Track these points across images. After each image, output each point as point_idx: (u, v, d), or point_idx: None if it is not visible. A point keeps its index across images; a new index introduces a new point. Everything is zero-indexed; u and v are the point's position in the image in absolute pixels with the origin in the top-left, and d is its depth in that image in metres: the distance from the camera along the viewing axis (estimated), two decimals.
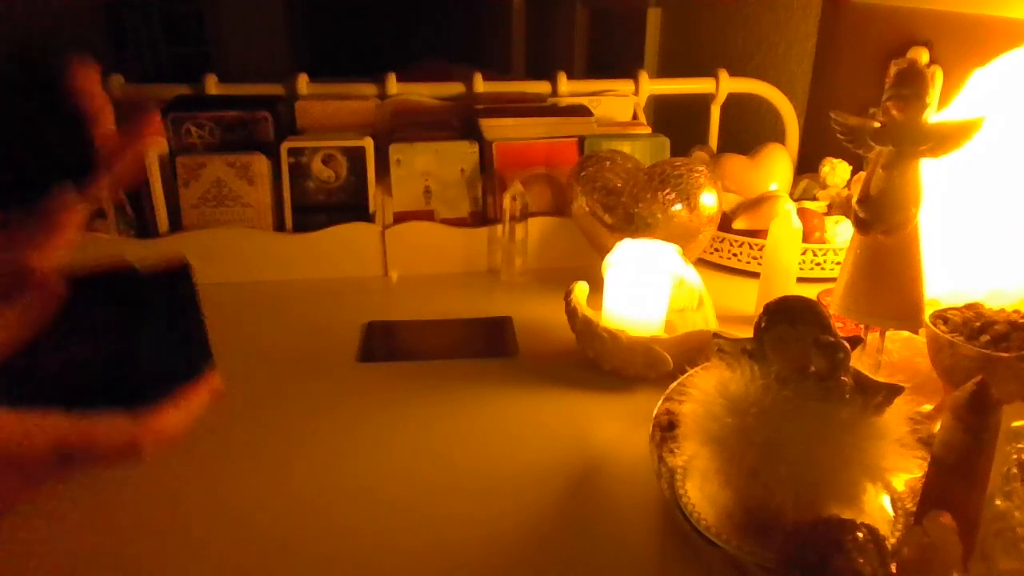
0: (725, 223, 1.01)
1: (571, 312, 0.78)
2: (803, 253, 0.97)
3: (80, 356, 0.36)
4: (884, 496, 0.54)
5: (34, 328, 0.34)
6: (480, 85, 1.14)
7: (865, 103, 0.68)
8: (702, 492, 0.55)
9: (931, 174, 0.65)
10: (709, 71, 1.24)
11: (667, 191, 0.89)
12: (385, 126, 1.09)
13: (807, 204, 1.07)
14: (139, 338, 0.38)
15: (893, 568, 0.44)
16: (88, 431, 0.35)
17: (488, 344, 0.85)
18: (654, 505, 0.59)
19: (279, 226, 1.00)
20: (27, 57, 0.39)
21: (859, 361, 0.51)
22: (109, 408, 0.36)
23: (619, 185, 0.92)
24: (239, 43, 3.45)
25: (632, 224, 0.91)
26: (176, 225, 0.97)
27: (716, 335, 0.58)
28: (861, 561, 0.43)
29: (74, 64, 0.38)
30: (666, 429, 0.61)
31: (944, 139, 0.63)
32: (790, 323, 0.51)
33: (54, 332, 0.35)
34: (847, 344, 0.50)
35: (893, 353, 0.74)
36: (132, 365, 0.38)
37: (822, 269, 0.99)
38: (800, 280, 0.91)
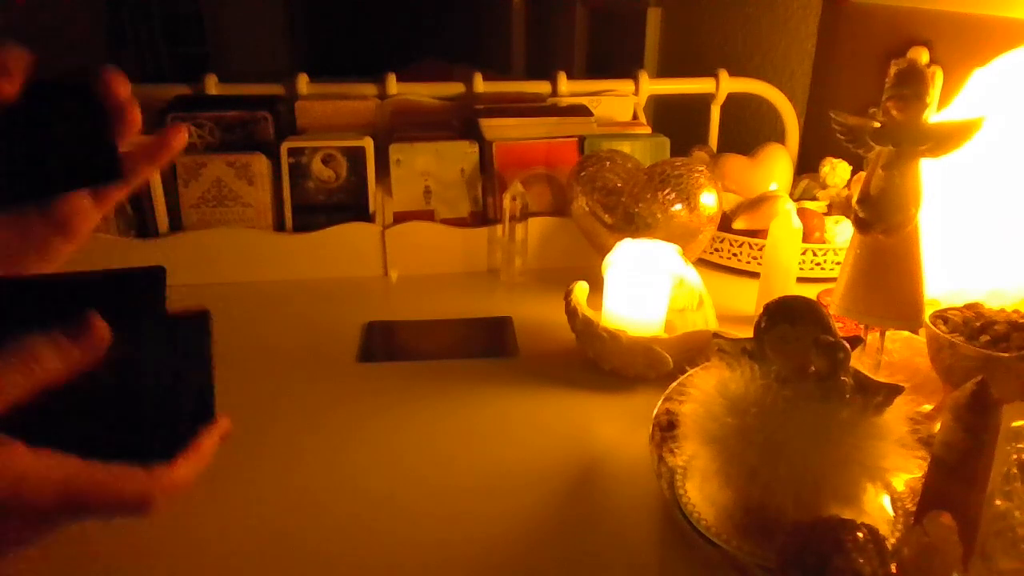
0: (725, 223, 1.01)
1: (571, 312, 0.78)
2: (803, 253, 0.97)
3: (103, 396, 0.36)
4: (884, 496, 0.54)
5: (76, 374, 0.33)
6: (480, 85, 1.14)
7: (865, 103, 0.68)
8: (702, 492, 0.55)
9: (931, 174, 0.65)
10: (709, 71, 1.24)
11: (667, 191, 0.89)
12: (385, 126, 1.09)
13: (807, 204, 1.07)
14: (158, 386, 0.37)
15: (893, 568, 0.44)
16: (102, 480, 0.34)
17: (488, 344, 0.85)
18: (654, 505, 0.59)
19: (279, 226, 1.00)
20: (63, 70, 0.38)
21: (859, 361, 0.51)
22: (127, 456, 0.35)
23: (619, 185, 0.92)
24: (239, 43, 3.46)
25: (632, 224, 0.91)
26: (176, 225, 0.97)
27: (716, 335, 0.58)
28: (861, 561, 0.43)
29: (106, 71, 0.38)
30: (666, 429, 0.61)
31: (944, 139, 0.63)
32: (790, 323, 0.51)
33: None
34: (847, 344, 0.50)
35: (893, 353, 0.74)
36: (154, 412, 0.37)
37: (822, 269, 0.99)
38: (800, 280, 0.91)
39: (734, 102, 1.25)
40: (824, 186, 1.12)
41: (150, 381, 0.37)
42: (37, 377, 0.32)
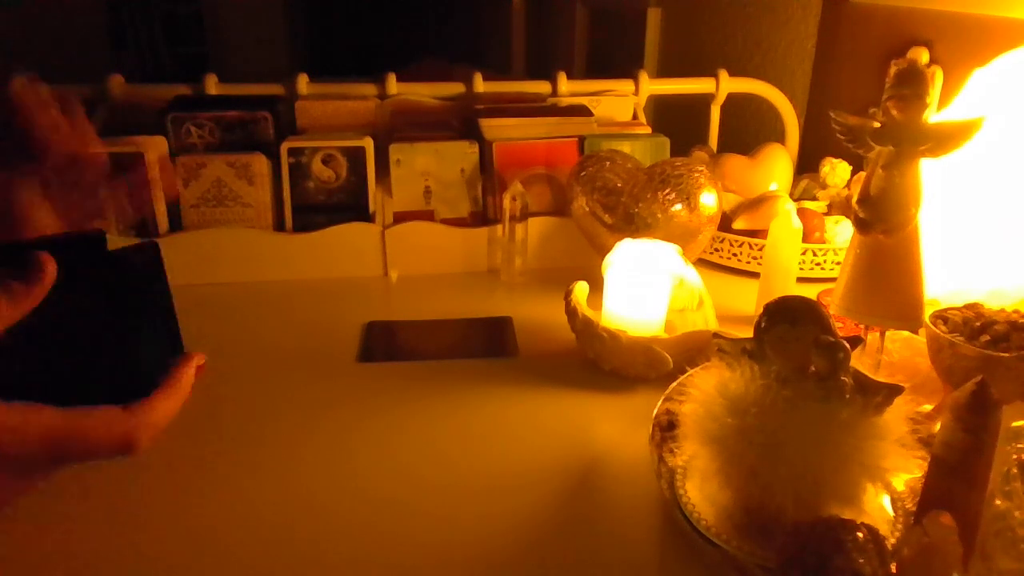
0: (725, 223, 1.01)
1: (571, 312, 0.78)
2: (803, 253, 0.97)
3: (70, 343, 0.36)
4: (884, 496, 0.54)
5: (26, 308, 0.33)
6: (480, 85, 1.14)
7: (865, 103, 0.69)
8: (702, 492, 0.55)
9: (931, 174, 0.65)
10: (709, 71, 1.24)
11: (667, 191, 0.89)
12: (385, 126, 1.09)
13: (807, 204, 1.07)
14: (129, 324, 0.37)
15: (893, 568, 0.44)
16: (82, 425, 0.34)
17: (488, 344, 0.85)
18: (654, 505, 0.59)
19: (279, 226, 1.00)
20: None
21: (859, 361, 0.51)
22: (102, 399, 0.36)
23: (619, 185, 0.92)
24: (239, 43, 3.45)
25: (632, 224, 0.91)
26: (176, 225, 0.97)
27: (716, 335, 0.58)
28: (861, 561, 0.43)
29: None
30: (666, 429, 0.61)
31: (944, 139, 0.63)
32: (790, 323, 0.51)
33: (43, 320, 0.34)
34: (847, 344, 0.50)
35: (893, 353, 0.74)
36: (123, 352, 0.37)
37: (822, 269, 0.99)
38: (800, 280, 0.91)
39: (734, 102, 1.25)
40: (824, 186, 1.12)
41: (111, 321, 0.36)
42: None
